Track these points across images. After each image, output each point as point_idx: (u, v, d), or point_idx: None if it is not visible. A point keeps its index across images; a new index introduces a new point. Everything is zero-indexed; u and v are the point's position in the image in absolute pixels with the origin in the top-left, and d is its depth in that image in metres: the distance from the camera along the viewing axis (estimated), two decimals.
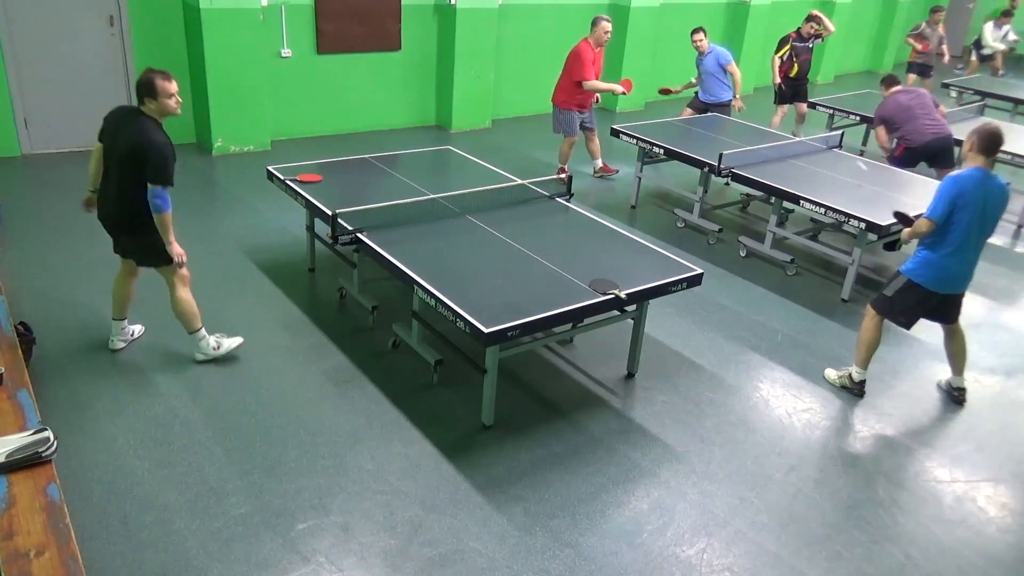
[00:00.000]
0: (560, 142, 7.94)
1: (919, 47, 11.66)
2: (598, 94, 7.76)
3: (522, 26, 9.91)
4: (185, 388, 4.23)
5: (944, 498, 3.86)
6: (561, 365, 4.75)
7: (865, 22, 15.07)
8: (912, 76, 12.19)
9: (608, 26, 7.44)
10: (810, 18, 9.27)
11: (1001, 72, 14.05)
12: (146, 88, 4.09)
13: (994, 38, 13.57)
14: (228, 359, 4.52)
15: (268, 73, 8.13)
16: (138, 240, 4.36)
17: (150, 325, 4.79)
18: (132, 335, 4.67)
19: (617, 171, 8.21)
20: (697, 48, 8.53)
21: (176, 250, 4.33)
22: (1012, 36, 13.55)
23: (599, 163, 8.22)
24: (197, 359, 4.48)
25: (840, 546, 3.49)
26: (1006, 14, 13.62)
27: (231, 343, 4.54)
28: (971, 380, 4.91)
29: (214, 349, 4.48)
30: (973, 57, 13.88)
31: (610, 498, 3.67)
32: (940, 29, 11.87)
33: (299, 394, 4.27)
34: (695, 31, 8.54)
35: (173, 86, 4.13)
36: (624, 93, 7.68)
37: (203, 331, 4.45)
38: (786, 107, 9.52)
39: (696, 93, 8.84)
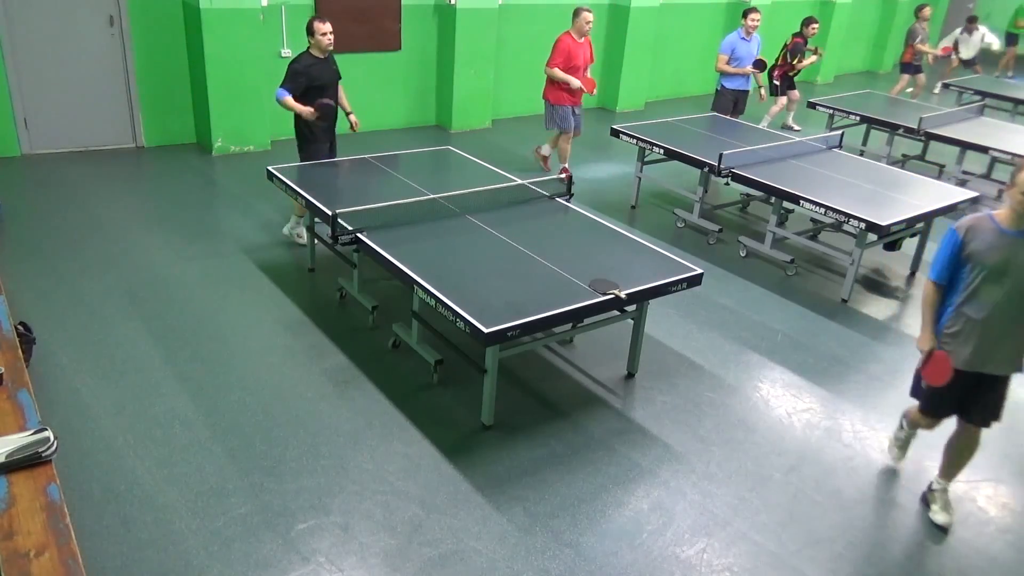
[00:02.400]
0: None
1: (938, 52, 11.72)
2: (584, 84, 7.65)
3: (522, 26, 9.90)
4: (185, 388, 4.23)
5: None
6: (561, 365, 4.75)
7: (865, 22, 15.07)
8: (907, 77, 12.19)
9: (589, 16, 7.39)
10: (811, 21, 9.76)
11: (1010, 74, 14.03)
12: (307, 29, 5.82)
13: (964, 43, 13.28)
14: (228, 359, 4.53)
15: (268, 73, 8.11)
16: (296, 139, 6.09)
17: (154, 328, 4.80)
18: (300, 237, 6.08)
19: (550, 170, 8.02)
20: (752, 28, 8.50)
21: (305, 111, 5.74)
22: (988, 38, 13.27)
23: (546, 149, 8.15)
24: None
25: (840, 546, 3.49)
26: (971, 20, 13.36)
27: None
28: None
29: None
30: (953, 56, 13.69)
31: (610, 498, 3.67)
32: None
33: (299, 394, 4.27)
34: (754, 10, 8.51)
35: (326, 27, 5.76)
36: (582, 89, 7.50)
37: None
38: (784, 98, 10.18)
39: (724, 84, 8.73)
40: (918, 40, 11.74)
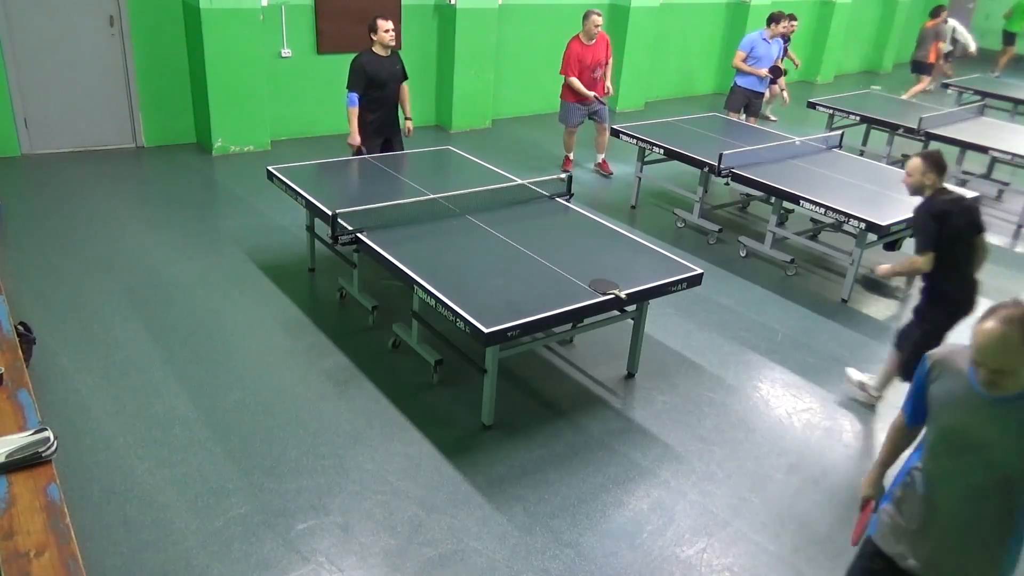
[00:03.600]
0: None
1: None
2: (609, 86, 7.98)
3: (522, 26, 9.90)
4: (185, 388, 4.23)
5: None
6: (561, 365, 4.75)
7: (865, 22, 15.06)
8: (927, 78, 12.05)
9: (598, 20, 7.57)
10: (791, 17, 9.92)
11: (996, 73, 13.89)
12: (369, 27, 5.95)
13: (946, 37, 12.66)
14: (228, 359, 4.52)
15: (268, 73, 8.12)
16: None
17: (154, 328, 4.80)
18: None
19: (611, 174, 8.23)
20: (776, 34, 8.65)
21: (352, 140, 6.04)
22: (959, 34, 12.63)
23: (599, 158, 8.30)
24: None
25: (839, 546, 3.49)
26: (937, 11, 12.54)
27: None
28: None
29: None
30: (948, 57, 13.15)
31: (610, 498, 3.68)
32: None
33: (299, 394, 4.27)
34: (783, 16, 8.64)
35: (388, 24, 5.92)
36: (596, 97, 7.78)
37: None
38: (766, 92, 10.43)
39: (736, 81, 8.79)
40: (947, 41, 11.74)
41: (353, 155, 6.13)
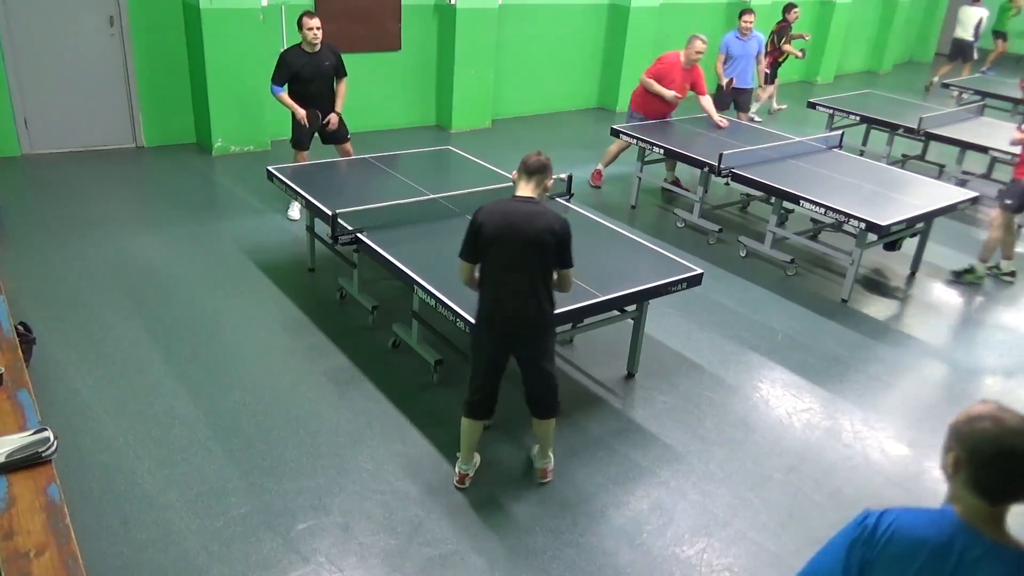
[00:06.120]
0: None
1: None
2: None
3: (522, 26, 9.90)
4: (185, 388, 4.23)
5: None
6: (561, 365, 4.75)
7: (865, 22, 15.06)
8: None
9: (699, 45, 7.15)
10: (791, 7, 10.40)
11: (984, 69, 13.75)
12: (297, 22, 5.98)
13: (962, 21, 12.62)
14: (228, 359, 4.52)
15: (268, 73, 8.08)
16: None
17: (154, 328, 4.80)
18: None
19: (599, 187, 7.90)
20: (747, 31, 8.76)
21: (298, 112, 6.15)
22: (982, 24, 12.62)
23: (601, 167, 7.99)
24: None
25: None
26: None
27: None
28: (971, 380, 4.91)
29: None
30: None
31: (610, 498, 3.68)
32: None
33: (299, 394, 4.27)
34: (749, 11, 8.74)
35: (310, 22, 5.91)
36: (678, 97, 7.39)
37: None
38: (772, 87, 10.81)
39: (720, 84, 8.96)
40: None
41: (307, 128, 6.22)
